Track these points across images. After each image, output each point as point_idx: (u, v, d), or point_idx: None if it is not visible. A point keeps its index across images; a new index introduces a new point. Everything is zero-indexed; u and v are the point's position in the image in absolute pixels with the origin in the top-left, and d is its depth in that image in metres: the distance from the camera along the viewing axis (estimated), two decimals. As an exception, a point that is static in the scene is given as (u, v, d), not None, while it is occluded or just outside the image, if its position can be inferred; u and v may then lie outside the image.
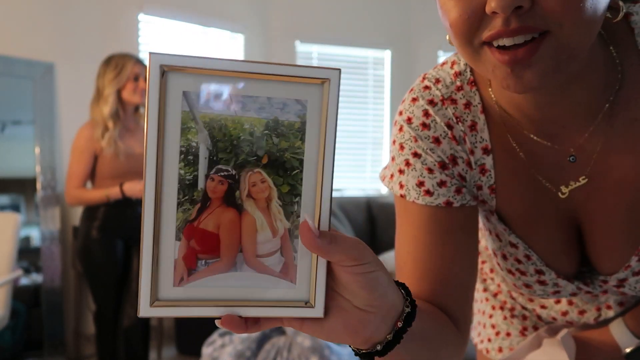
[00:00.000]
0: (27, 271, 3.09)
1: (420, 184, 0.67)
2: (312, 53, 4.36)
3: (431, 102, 0.67)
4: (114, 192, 2.32)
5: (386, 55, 4.48)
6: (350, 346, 0.51)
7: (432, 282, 0.65)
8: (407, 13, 4.52)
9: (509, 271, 0.72)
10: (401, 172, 0.68)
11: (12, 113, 3.20)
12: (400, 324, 0.49)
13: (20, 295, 2.96)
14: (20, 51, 3.16)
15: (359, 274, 0.45)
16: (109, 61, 2.42)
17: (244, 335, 1.87)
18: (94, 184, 2.44)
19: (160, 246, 0.43)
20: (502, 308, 0.88)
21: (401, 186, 0.68)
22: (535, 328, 0.84)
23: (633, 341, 0.70)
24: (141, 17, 3.56)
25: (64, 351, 3.13)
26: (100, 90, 2.39)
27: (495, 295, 0.89)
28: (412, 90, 0.70)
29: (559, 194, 0.65)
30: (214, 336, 1.99)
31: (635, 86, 0.59)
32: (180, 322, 3.35)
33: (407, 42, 4.52)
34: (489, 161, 0.67)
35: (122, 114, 2.40)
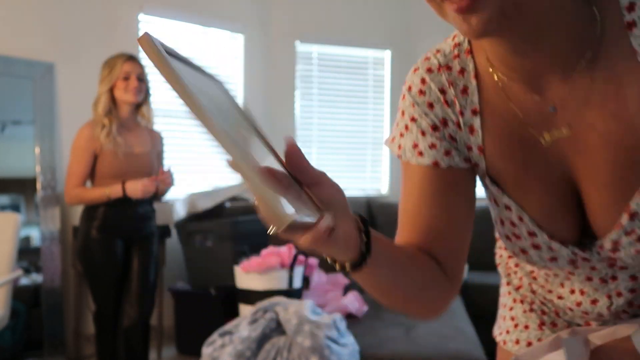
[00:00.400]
0: (27, 271, 3.09)
1: (415, 145, 0.74)
2: (312, 53, 4.36)
3: (429, 70, 0.73)
4: (115, 190, 2.32)
5: (386, 55, 4.48)
6: (345, 268, 0.59)
7: (420, 235, 0.73)
8: (407, 13, 4.52)
9: (507, 237, 0.75)
10: (401, 135, 0.76)
11: (12, 113, 3.20)
12: (362, 227, 0.58)
13: (20, 295, 2.96)
14: (20, 51, 3.15)
15: (335, 184, 0.53)
16: (104, 62, 2.44)
17: (244, 335, 1.87)
18: (93, 184, 2.44)
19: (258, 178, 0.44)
20: (522, 302, 0.89)
21: (399, 147, 0.76)
22: (553, 324, 0.86)
23: None
24: (141, 17, 3.56)
25: (64, 351, 3.13)
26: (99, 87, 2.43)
27: (517, 289, 0.91)
28: (416, 63, 0.76)
29: (542, 140, 0.67)
30: (214, 336, 1.98)
31: (614, 44, 0.62)
32: (180, 322, 3.35)
33: (407, 42, 4.52)
34: (477, 122, 0.71)
35: (116, 112, 2.40)
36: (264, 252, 2.44)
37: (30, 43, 3.20)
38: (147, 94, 2.48)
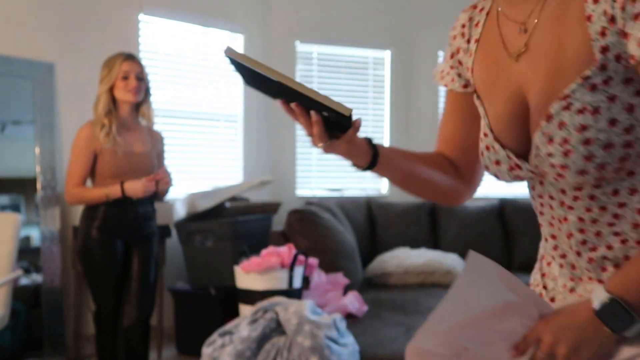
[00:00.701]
0: (27, 271, 3.09)
1: (442, 70, 0.98)
2: (312, 53, 4.36)
3: (464, 10, 0.94)
4: (114, 190, 2.32)
5: (386, 55, 4.48)
6: (366, 168, 0.88)
7: (443, 145, 1.00)
8: (407, 13, 4.52)
9: (480, 140, 0.89)
10: (440, 63, 1.00)
11: (12, 113, 3.20)
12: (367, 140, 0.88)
13: (20, 295, 2.96)
14: (20, 51, 3.15)
15: None
16: (104, 62, 2.43)
17: (244, 334, 1.87)
18: (93, 184, 2.44)
19: None
20: (534, 279, 0.95)
21: (435, 71, 1.00)
22: (540, 295, 0.92)
23: (604, 295, 0.70)
24: (141, 17, 3.56)
25: (64, 351, 3.13)
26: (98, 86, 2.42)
27: (536, 270, 0.97)
28: None
29: (507, 55, 0.82)
30: (214, 336, 1.98)
31: None
32: (180, 322, 3.35)
33: (407, 42, 4.52)
34: (474, 47, 0.90)
35: (116, 112, 2.40)
36: (264, 252, 2.44)
37: (30, 43, 3.20)
38: (146, 93, 2.48)
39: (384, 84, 4.49)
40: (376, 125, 4.47)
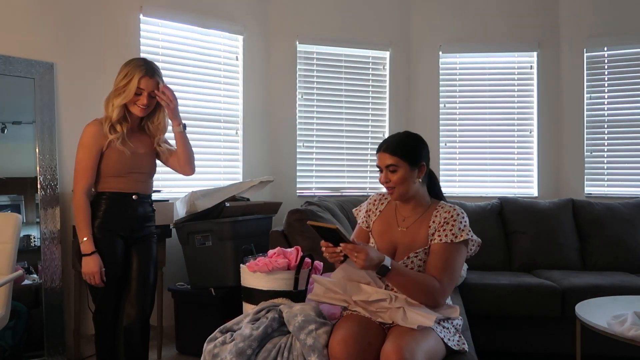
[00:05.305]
0: (27, 271, 3.09)
1: (359, 215, 2.20)
2: (312, 53, 4.36)
3: (377, 195, 2.18)
4: (86, 244, 2.30)
5: (386, 55, 4.48)
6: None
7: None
8: (407, 13, 4.52)
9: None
10: (359, 211, 2.23)
11: (12, 113, 3.20)
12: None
13: (21, 295, 2.96)
14: (20, 51, 3.16)
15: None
16: (127, 65, 2.36)
17: (246, 332, 1.87)
18: (97, 181, 2.43)
19: None
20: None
21: (356, 212, 2.24)
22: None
23: (388, 262, 1.79)
24: (141, 17, 3.57)
25: (64, 351, 3.13)
26: (114, 91, 2.37)
27: None
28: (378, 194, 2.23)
29: (398, 227, 2.02)
30: (216, 332, 1.99)
31: (429, 212, 2.00)
32: (180, 322, 3.35)
33: (407, 42, 4.52)
34: (377, 213, 2.10)
35: (129, 118, 2.40)
36: (271, 252, 2.43)
37: (30, 43, 3.20)
38: (157, 105, 2.45)
39: (384, 84, 4.50)
40: (376, 125, 4.47)
